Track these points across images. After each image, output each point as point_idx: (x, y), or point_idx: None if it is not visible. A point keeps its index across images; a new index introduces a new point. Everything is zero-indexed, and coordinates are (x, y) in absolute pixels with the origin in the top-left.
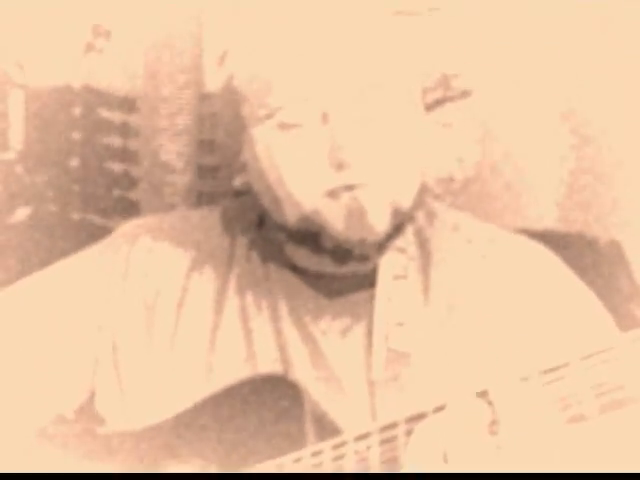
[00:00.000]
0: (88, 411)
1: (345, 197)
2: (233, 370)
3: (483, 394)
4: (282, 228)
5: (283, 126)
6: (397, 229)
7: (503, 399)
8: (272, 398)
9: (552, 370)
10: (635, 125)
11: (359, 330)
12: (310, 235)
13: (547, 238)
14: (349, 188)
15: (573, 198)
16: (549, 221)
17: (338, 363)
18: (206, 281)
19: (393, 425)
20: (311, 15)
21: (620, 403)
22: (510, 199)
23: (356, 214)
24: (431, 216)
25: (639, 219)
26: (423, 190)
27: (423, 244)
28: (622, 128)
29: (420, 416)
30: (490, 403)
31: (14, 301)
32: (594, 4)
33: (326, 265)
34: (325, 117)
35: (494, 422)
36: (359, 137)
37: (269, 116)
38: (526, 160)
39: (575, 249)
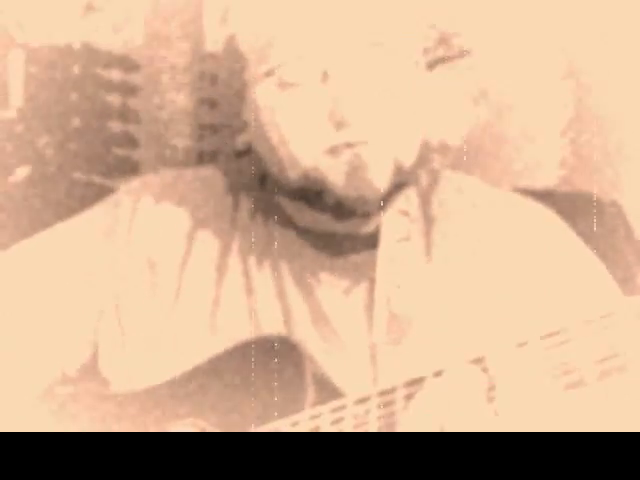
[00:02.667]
0: (91, 371)
1: (346, 154)
2: (236, 331)
3: (480, 360)
4: (283, 187)
5: (283, 84)
6: (399, 188)
7: (500, 365)
8: (274, 359)
9: (551, 335)
10: (638, 80)
11: (361, 291)
12: (311, 193)
13: (549, 198)
14: (349, 146)
15: (575, 157)
16: (552, 181)
17: (340, 324)
18: (209, 240)
19: (392, 389)
20: None
21: (620, 369)
22: (512, 159)
23: (357, 170)
24: (435, 179)
25: None
26: (426, 148)
27: (426, 207)
28: (625, 84)
29: (419, 381)
30: (486, 369)
31: (18, 259)
32: None
33: (327, 223)
34: (325, 75)
35: (491, 388)
36: (359, 95)
37: (269, 74)
38: (528, 119)
39: (577, 209)
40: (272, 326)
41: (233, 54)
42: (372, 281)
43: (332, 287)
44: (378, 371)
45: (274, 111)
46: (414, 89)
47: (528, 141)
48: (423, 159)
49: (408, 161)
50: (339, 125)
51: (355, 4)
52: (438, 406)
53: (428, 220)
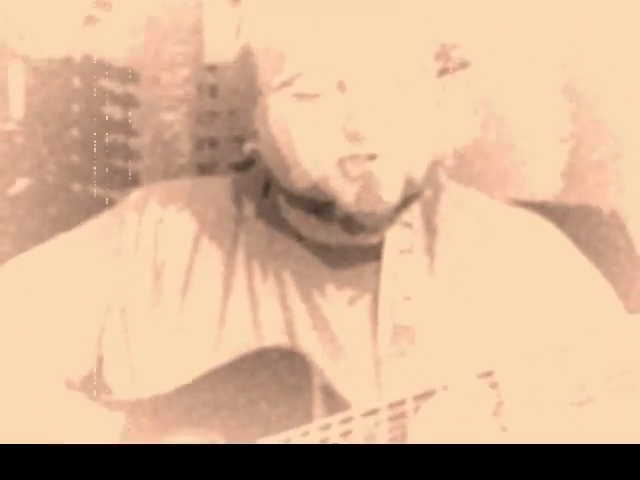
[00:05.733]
0: (95, 380)
1: (357, 169)
2: (240, 342)
3: (488, 374)
4: (291, 197)
5: (300, 95)
6: (408, 201)
7: (509, 380)
8: (279, 370)
9: (561, 351)
10: (636, 95)
11: (365, 302)
12: (320, 205)
13: (548, 210)
14: (361, 158)
15: (574, 169)
16: (551, 192)
17: (344, 335)
18: (213, 250)
19: (401, 402)
20: None
21: (629, 386)
22: (512, 171)
23: (368, 186)
24: (438, 191)
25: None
26: (435, 163)
27: (429, 218)
28: (623, 98)
29: (428, 394)
30: (495, 384)
31: (23, 268)
32: None
33: (334, 235)
34: (341, 86)
35: (499, 403)
36: (375, 107)
37: (286, 84)
38: (526, 131)
39: (577, 221)
40: (276, 337)
41: (245, 64)
42: (375, 292)
43: (335, 298)
44: (383, 382)
45: (287, 121)
46: (428, 102)
47: (526, 153)
48: (433, 173)
49: (418, 175)
50: (353, 136)
51: (371, 15)
52: (446, 420)
53: (431, 232)
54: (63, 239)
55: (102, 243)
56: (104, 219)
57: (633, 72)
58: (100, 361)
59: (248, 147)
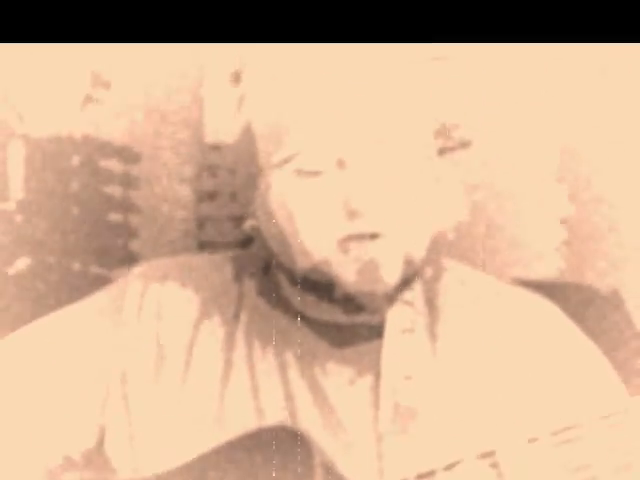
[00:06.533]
0: (97, 458)
1: (357, 249)
2: (241, 420)
3: (490, 455)
4: (292, 275)
5: (299, 172)
6: (408, 282)
7: (511, 460)
8: (280, 448)
9: (563, 431)
10: (634, 177)
11: (366, 381)
12: (320, 285)
13: (548, 289)
14: (362, 237)
15: (573, 249)
16: (550, 272)
17: (345, 413)
18: (214, 327)
19: None
20: (327, 63)
21: (632, 466)
22: (511, 251)
23: (368, 267)
24: (438, 270)
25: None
26: (435, 242)
27: (431, 298)
28: (621, 180)
29: (430, 474)
30: (496, 464)
31: (25, 343)
32: (593, 58)
33: (335, 315)
34: (341, 163)
35: None
36: (375, 185)
37: (286, 161)
38: (526, 212)
39: (577, 301)
40: (277, 415)
41: (242, 144)
42: (377, 371)
43: (337, 376)
44: (384, 461)
45: (288, 198)
46: (427, 181)
47: (525, 231)
48: (434, 252)
49: (418, 255)
50: (352, 215)
51: (372, 94)
52: None
53: (432, 311)
54: (65, 313)
55: (104, 318)
56: (106, 294)
57: (632, 154)
58: (101, 438)
59: (248, 224)
